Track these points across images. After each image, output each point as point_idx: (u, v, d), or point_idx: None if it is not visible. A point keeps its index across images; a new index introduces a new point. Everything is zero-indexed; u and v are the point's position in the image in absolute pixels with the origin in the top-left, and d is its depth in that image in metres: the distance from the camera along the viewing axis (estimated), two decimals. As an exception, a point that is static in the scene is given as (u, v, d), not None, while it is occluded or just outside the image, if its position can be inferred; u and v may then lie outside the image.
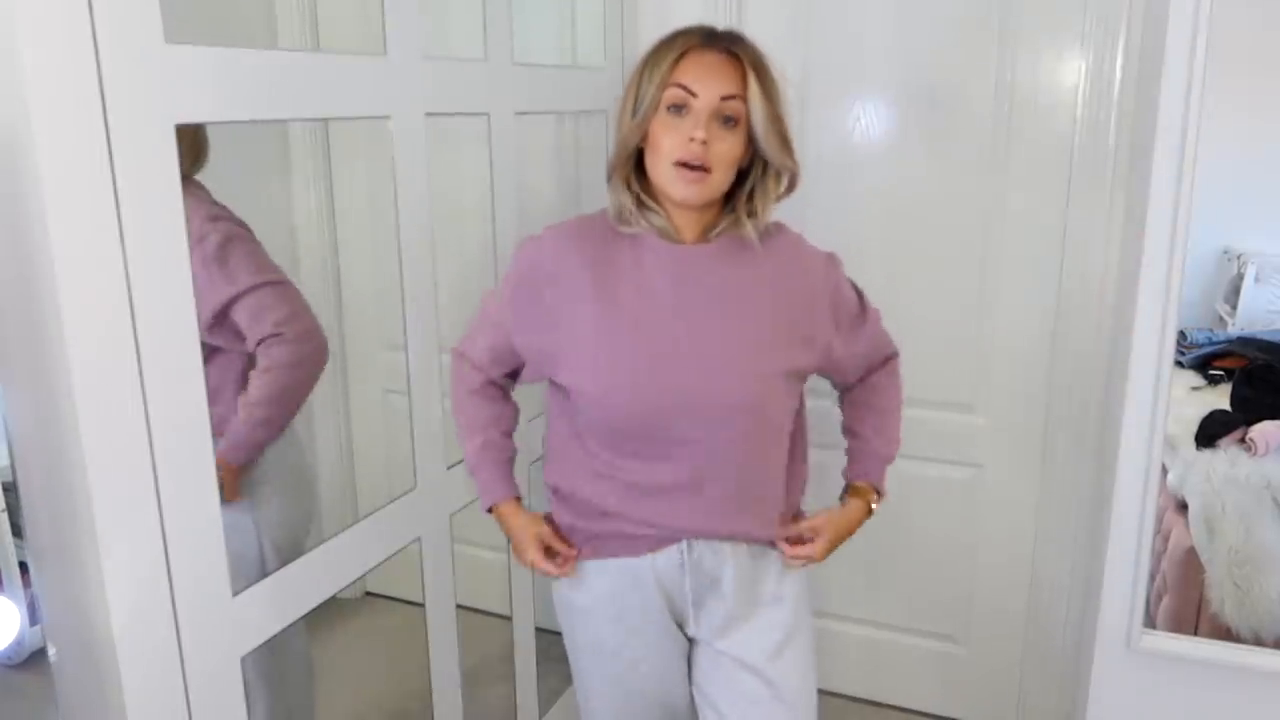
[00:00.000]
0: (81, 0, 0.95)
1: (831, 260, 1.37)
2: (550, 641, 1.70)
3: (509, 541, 1.46)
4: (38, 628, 1.19)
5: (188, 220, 1.39)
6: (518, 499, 1.45)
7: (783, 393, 1.31)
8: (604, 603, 1.39)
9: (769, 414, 1.30)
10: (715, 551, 1.33)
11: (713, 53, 1.18)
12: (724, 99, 1.17)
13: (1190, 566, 1.90)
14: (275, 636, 1.30)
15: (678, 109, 1.18)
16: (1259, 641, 1.83)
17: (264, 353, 1.51)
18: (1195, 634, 1.89)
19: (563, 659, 1.51)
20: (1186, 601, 1.91)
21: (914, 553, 2.28)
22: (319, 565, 1.41)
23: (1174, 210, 1.63)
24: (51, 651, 1.11)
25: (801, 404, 1.40)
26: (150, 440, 1.07)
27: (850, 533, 1.43)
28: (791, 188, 1.29)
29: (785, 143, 1.21)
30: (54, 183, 0.94)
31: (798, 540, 1.37)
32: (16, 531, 2.16)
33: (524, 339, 1.33)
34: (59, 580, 1.09)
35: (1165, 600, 1.95)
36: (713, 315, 1.26)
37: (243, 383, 1.58)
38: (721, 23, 2.09)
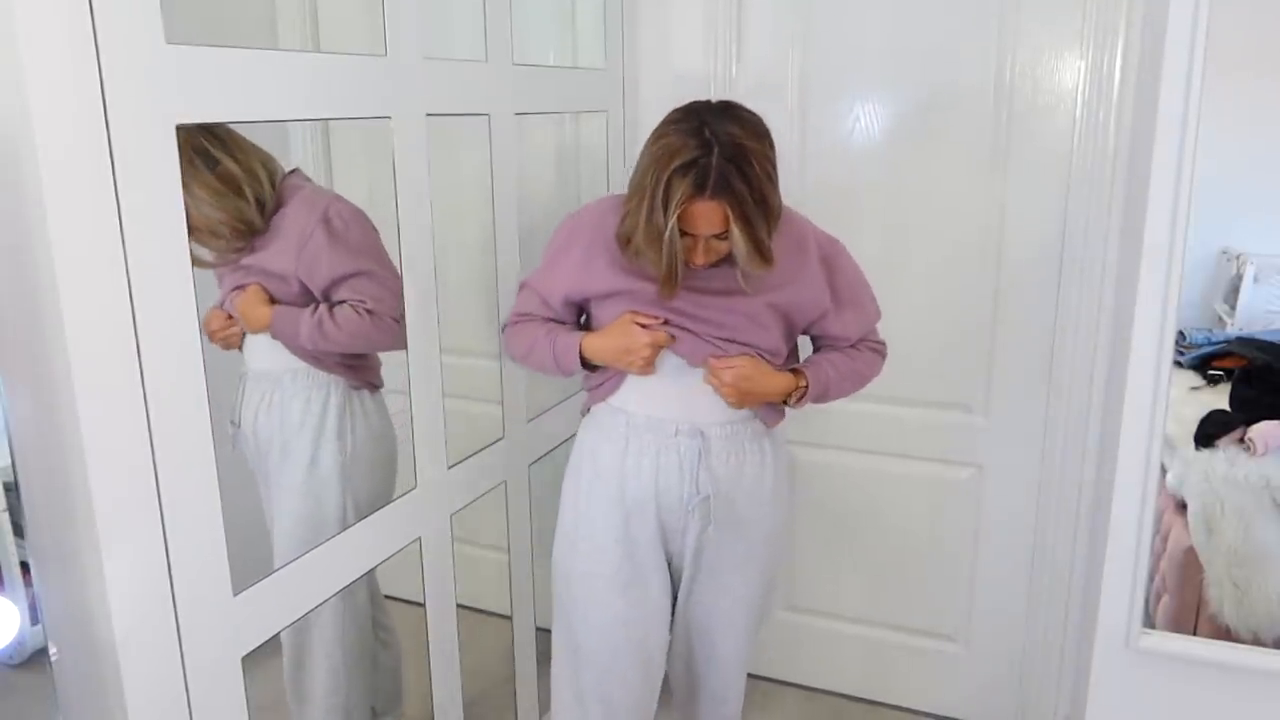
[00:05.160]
0: (82, 0, 0.95)
1: (831, 240, 1.61)
2: (551, 641, 1.70)
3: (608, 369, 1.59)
4: (38, 627, 1.19)
5: (313, 200, 1.63)
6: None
7: (775, 330, 1.56)
8: (607, 539, 1.57)
9: (765, 347, 1.56)
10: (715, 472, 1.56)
11: (706, 203, 1.38)
12: (714, 237, 1.43)
13: (1189, 566, 1.90)
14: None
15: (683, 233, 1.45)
16: (1258, 641, 1.83)
17: (358, 310, 1.63)
18: (1194, 634, 1.89)
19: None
20: (1186, 601, 1.91)
21: (914, 553, 2.28)
22: (319, 565, 1.42)
23: (1174, 210, 1.64)
24: (52, 651, 1.11)
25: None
26: (151, 440, 1.08)
27: (763, 385, 1.55)
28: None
29: (761, 253, 1.43)
30: (54, 183, 0.95)
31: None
32: (17, 531, 2.16)
33: (571, 284, 1.57)
34: (59, 580, 1.09)
35: (1164, 600, 1.95)
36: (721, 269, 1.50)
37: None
38: (721, 22, 2.11)
